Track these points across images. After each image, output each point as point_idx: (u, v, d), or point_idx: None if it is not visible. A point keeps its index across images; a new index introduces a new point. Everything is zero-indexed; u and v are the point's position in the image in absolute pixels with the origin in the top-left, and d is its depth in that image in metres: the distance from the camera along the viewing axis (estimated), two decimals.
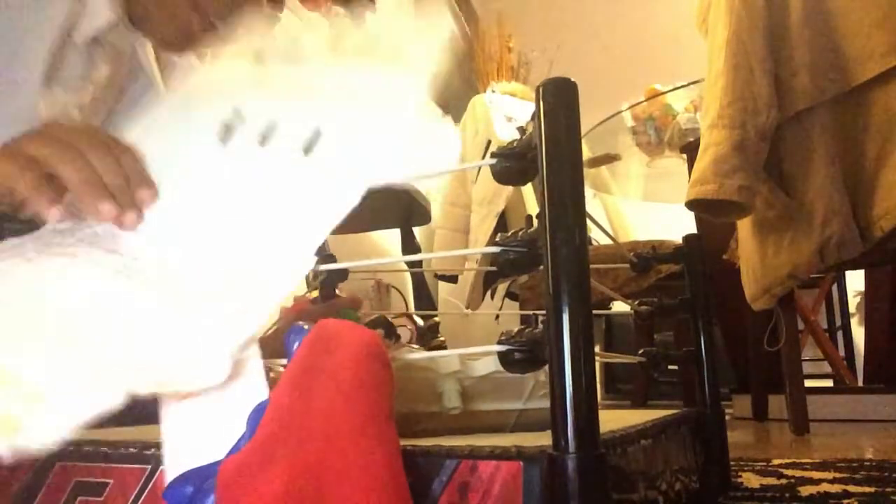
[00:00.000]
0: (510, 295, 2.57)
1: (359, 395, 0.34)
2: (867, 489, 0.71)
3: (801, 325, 2.00)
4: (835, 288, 2.86)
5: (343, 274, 0.61)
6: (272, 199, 0.44)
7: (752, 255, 1.50)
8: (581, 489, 0.32)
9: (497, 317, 2.21)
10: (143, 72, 0.79)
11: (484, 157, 2.71)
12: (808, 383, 1.56)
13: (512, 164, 0.39)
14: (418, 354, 0.45)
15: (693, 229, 1.70)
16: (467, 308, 2.42)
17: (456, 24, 2.67)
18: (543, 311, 0.35)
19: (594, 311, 0.36)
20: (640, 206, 2.97)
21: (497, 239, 0.38)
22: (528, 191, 2.46)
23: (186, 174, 0.46)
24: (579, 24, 3.79)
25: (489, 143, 2.65)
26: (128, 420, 0.56)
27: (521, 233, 0.38)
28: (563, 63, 2.86)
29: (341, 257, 0.52)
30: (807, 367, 1.76)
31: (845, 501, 0.64)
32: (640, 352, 0.70)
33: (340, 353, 0.35)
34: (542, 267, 0.36)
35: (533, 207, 2.48)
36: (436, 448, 0.36)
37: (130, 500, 0.41)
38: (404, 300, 2.41)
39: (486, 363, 0.46)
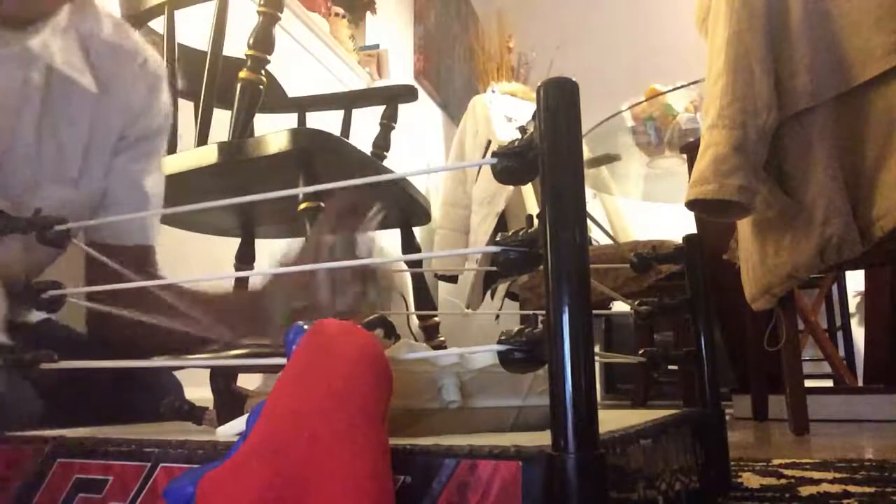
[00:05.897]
0: (510, 295, 2.57)
1: (350, 396, 0.33)
2: (867, 489, 0.71)
3: (801, 325, 2.00)
4: (835, 288, 2.85)
5: None
6: None
7: (752, 255, 1.50)
8: (580, 489, 0.32)
9: (497, 317, 2.21)
10: None
11: (484, 157, 2.70)
12: (808, 383, 1.56)
13: (513, 164, 0.39)
14: (416, 353, 0.45)
15: (693, 229, 1.70)
16: (467, 308, 2.42)
17: None
18: (543, 311, 0.35)
19: (594, 311, 0.35)
20: (640, 206, 2.97)
21: (497, 239, 0.38)
22: (528, 191, 2.47)
23: None
24: (579, 24, 3.79)
25: (489, 142, 2.66)
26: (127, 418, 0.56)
27: (521, 233, 0.38)
28: (563, 63, 2.86)
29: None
30: (807, 367, 1.76)
31: (845, 501, 0.64)
32: (640, 352, 0.69)
33: (336, 355, 0.35)
34: (542, 267, 0.36)
35: (533, 207, 2.48)
36: (435, 447, 0.36)
37: (130, 498, 0.41)
38: (404, 300, 2.41)
39: (485, 356, 0.46)
